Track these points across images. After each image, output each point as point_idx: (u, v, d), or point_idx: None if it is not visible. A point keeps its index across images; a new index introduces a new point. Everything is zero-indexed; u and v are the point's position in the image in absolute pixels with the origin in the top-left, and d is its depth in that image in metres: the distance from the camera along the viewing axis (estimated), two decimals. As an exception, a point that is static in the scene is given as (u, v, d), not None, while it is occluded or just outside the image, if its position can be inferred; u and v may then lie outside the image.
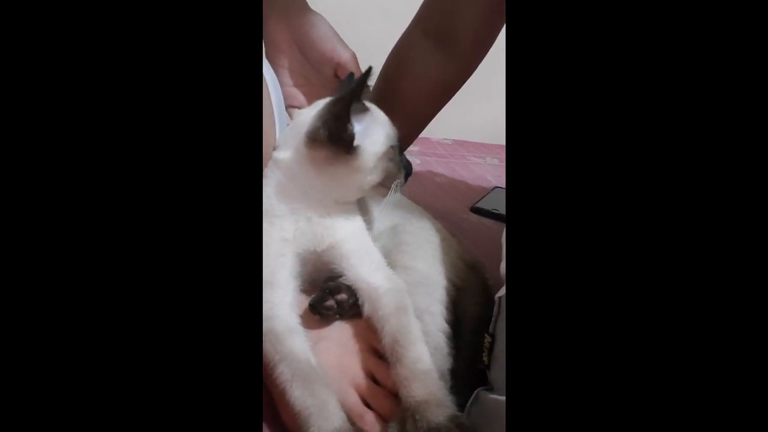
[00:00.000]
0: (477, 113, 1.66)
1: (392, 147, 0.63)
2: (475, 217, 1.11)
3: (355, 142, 0.59)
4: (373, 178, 0.62)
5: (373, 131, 0.61)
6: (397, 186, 0.64)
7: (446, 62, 0.91)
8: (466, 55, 0.93)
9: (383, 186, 0.63)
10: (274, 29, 0.74)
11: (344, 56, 0.74)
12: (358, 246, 0.63)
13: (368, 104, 0.63)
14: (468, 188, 1.30)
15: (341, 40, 0.75)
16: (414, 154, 1.42)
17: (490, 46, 0.94)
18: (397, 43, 0.95)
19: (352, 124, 0.59)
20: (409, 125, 1.01)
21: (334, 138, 0.59)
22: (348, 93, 0.59)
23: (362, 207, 0.71)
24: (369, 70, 0.60)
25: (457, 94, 1.08)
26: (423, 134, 1.58)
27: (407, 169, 0.66)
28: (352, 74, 0.73)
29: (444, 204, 1.15)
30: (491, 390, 0.52)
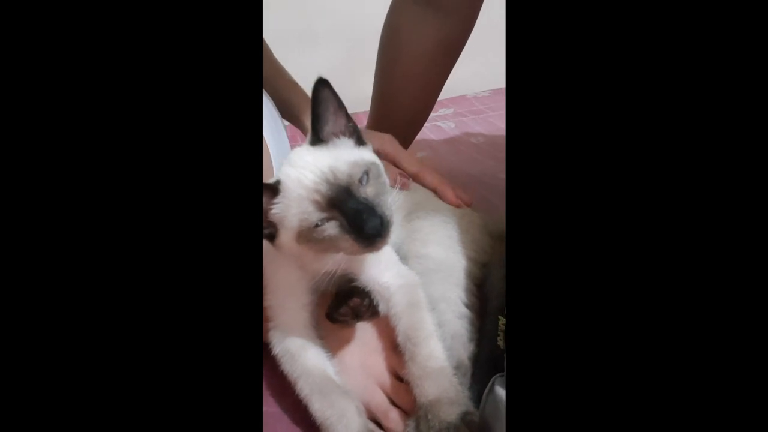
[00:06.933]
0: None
1: (312, 227, 0.51)
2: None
3: (268, 230, 0.54)
4: (308, 256, 0.55)
5: (287, 214, 0.52)
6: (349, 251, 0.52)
7: (442, 21, 0.87)
8: (460, 8, 0.88)
9: (331, 253, 0.53)
10: None
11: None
12: None
13: (285, 177, 0.53)
14: (508, 142, 1.24)
15: None
16: (448, 117, 1.38)
17: None
18: (386, 18, 0.91)
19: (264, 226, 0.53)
20: (420, 97, 0.98)
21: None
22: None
23: None
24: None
25: (490, 38, 1.02)
26: (459, 92, 1.53)
27: (355, 227, 0.50)
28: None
29: (481, 167, 1.11)
30: (504, 378, 0.50)
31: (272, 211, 0.52)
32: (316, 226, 0.50)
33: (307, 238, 0.52)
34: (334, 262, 0.52)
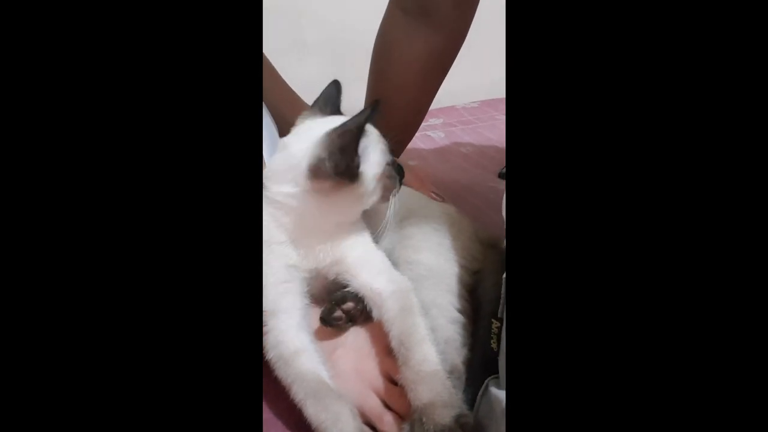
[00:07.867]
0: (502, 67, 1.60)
1: (387, 164, 0.63)
2: (503, 183, 1.08)
3: (356, 163, 0.59)
4: (374, 198, 0.63)
5: (371, 153, 0.61)
6: (394, 195, 0.65)
7: (432, 34, 0.88)
8: (451, 22, 0.89)
9: (383, 199, 0.65)
10: None
11: None
12: (360, 253, 0.63)
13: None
14: (497, 151, 1.26)
15: None
16: (437, 127, 1.39)
17: (475, 6, 0.89)
18: (378, 30, 0.93)
19: (358, 156, 0.58)
20: (411, 106, 0.99)
21: (340, 170, 0.58)
22: (357, 126, 0.57)
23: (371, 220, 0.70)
24: (376, 103, 0.60)
25: (479, 50, 1.03)
26: (448, 102, 1.55)
27: (400, 174, 0.67)
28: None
29: (471, 176, 1.12)
30: (498, 379, 0.51)
31: (360, 148, 0.59)
32: (388, 164, 0.63)
33: (385, 175, 0.63)
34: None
